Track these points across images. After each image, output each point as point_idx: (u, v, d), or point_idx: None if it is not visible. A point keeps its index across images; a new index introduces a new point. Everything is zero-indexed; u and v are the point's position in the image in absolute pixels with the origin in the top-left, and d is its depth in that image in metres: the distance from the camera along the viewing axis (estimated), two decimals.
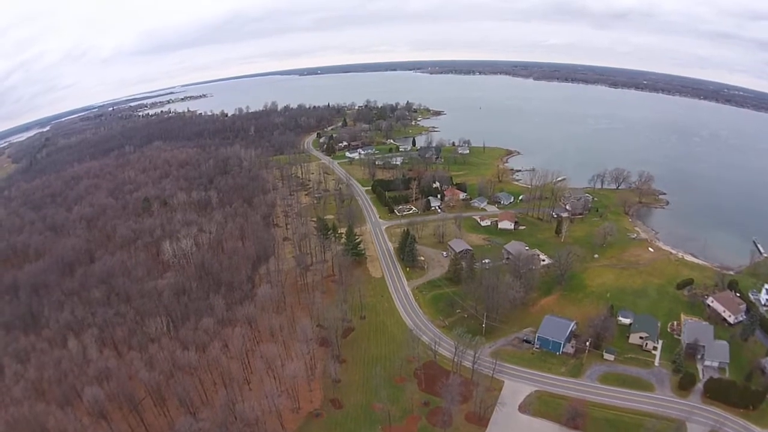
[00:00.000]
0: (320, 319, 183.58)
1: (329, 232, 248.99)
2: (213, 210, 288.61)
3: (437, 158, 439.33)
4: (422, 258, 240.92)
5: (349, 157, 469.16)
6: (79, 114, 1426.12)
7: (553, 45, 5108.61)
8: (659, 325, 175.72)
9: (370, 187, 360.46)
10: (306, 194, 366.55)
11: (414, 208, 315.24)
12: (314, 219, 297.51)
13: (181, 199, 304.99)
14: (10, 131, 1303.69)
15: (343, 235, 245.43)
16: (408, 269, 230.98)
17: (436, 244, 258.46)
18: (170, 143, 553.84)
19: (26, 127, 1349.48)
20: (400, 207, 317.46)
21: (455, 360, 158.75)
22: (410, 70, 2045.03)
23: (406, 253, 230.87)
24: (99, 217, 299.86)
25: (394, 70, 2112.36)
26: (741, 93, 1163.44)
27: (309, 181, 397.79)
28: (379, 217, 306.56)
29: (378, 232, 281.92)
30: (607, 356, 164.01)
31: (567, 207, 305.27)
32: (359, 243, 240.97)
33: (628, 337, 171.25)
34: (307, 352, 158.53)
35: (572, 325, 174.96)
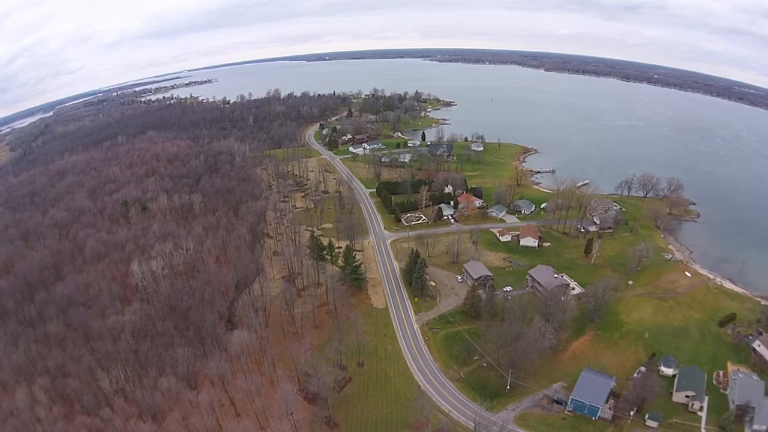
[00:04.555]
0: (309, 366, 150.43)
1: (324, 252, 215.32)
2: (195, 218, 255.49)
3: (449, 156, 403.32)
4: (433, 283, 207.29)
5: (353, 153, 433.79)
6: (83, 99, 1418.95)
7: (564, 35, 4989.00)
8: (705, 378, 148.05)
9: (374, 190, 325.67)
10: (303, 195, 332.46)
11: (423, 217, 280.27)
12: (309, 228, 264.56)
13: (162, 203, 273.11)
14: (14, 116, 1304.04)
15: (341, 255, 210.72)
16: (416, 299, 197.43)
17: (449, 264, 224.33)
18: (164, 133, 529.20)
19: (30, 112, 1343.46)
20: (408, 215, 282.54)
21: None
22: (418, 57, 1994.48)
23: (415, 279, 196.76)
24: (72, 223, 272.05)
25: (402, 57, 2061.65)
26: (752, 91, 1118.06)
27: (307, 180, 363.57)
28: (384, 228, 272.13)
29: (382, 247, 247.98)
30: (650, 423, 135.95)
31: (595, 220, 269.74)
32: (359, 265, 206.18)
33: (671, 393, 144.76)
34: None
35: (612, 383, 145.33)
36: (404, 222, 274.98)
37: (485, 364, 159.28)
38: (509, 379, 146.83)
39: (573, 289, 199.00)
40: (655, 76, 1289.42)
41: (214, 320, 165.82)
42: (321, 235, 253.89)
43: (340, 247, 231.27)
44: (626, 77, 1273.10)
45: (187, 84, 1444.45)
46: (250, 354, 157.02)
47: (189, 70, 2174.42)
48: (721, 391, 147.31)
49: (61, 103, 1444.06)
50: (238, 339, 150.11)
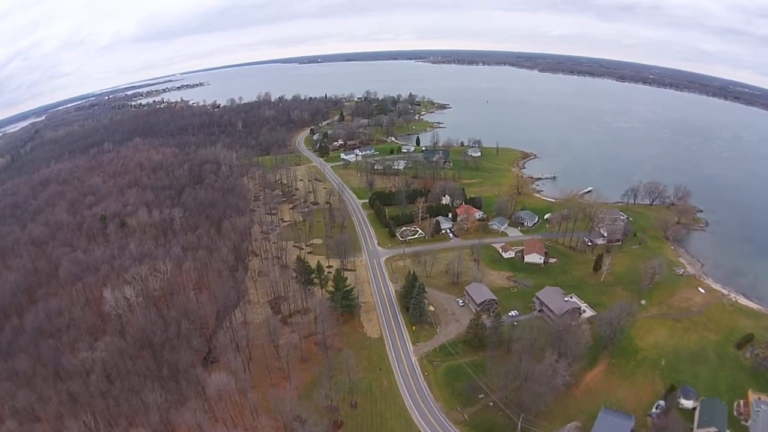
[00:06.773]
0: (296, 411, 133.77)
1: (312, 275, 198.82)
2: (174, 236, 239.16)
3: (445, 162, 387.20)
4: (432, 308, 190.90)
5: (345, 160, 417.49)
6: (76, 103, 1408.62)
7: (558, 36, 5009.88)
8: (727, 411, 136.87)
9: (367, 200, 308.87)
10: (291, 208, 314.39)
11: (420, 231, 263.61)
12: (298, 245, 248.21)
13: (142, 218, 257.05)
14: (7, 120, 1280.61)
15: (330, 279, 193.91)
16: (414, 327, 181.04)
17: (450, 286, 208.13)
18: (151, 140, 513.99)
19: (24, 116, 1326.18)
20: (404, 229, 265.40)
21: None
22: (412, 59, 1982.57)
23: (413, 305, 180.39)
24: (49, 240, 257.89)
25: (396, 59, 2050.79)
26: (748, 90, 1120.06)
27: (296, 190, 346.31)
28: (378, 244, 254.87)
29: (376, 266, 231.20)
30: None
31: (603, 232, 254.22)
32: (351, 290, 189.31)
33: (692, 429, 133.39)
34: None
35: (631, 424, 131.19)
36: (399, 237, 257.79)
37: (491, 404, 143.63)
38: (519, 424, 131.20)
39: (584, 312, 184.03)
40: (651, 77, 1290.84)
41: (192, 359, 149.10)
42: (310, 253, 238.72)
43: (330, 267, 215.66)
44: (621, 78, 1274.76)
45: (178, 87, 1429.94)
46: (230, 398, 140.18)
47: (182, 73, 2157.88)
48: (743, 422, 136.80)
49: (54, 107, 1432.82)
50: (216, 382, 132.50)
